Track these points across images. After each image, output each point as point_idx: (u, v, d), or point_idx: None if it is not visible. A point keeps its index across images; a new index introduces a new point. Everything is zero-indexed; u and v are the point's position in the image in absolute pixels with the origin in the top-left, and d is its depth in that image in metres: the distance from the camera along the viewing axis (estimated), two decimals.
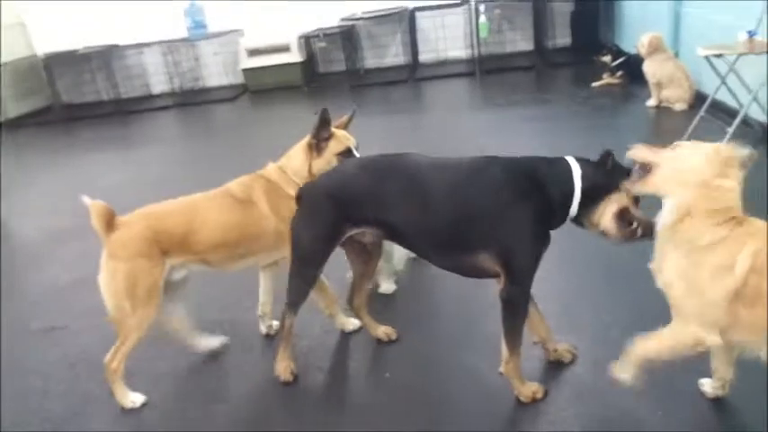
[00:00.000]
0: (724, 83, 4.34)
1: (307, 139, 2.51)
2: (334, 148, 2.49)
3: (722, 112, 4.66)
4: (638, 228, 2.03)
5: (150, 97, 9.31)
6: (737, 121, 4.16)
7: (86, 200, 2.32)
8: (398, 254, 3.03)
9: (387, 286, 3.05)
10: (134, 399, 2.45)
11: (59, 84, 9.11)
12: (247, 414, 2.39)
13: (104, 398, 2.50)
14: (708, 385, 2.10)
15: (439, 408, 2.27)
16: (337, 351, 2.70)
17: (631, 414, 2.10)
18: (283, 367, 2.48)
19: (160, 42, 8.92)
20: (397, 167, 2.20)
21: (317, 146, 2.48)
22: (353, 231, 2.23)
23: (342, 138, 2.53)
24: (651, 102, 5.54)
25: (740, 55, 4.11)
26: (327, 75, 9.09)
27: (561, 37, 8.58)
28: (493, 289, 2.15)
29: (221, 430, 2.31)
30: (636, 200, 2.04)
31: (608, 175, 2.04)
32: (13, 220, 5.03)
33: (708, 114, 4.60)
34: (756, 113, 4.33)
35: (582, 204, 2.06)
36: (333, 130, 2.50)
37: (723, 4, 4.76)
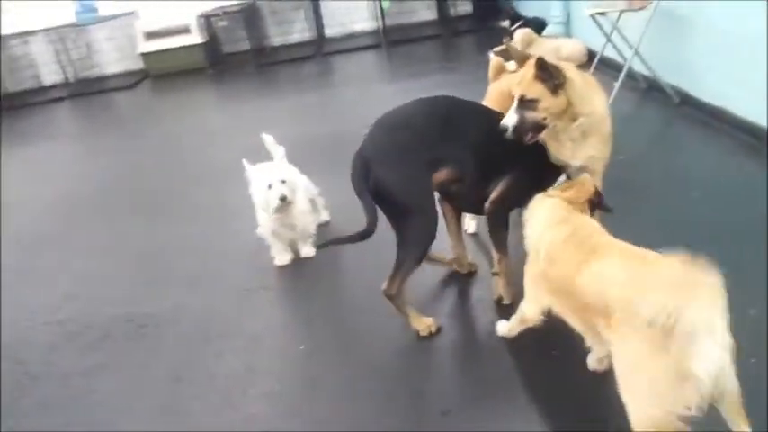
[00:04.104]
0: (609, 40, 4.54)
1: None
2: None
3: (611, 68, 4.89)
4: None
5: (41, 89, 8.73)
6: (622, 75, 4.37)
7: (491, 54, 2.53)
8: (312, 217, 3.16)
9: (307, 250, 3.12)
10: None
11: None
12: None
13: None
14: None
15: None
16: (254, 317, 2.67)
17: None
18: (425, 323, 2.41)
19: (46, 30, 8.34)
20: (441, 108, 2.38)
21: None
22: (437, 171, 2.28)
23: None
24: None
25: (622, 12, 4.30)
26: (233, 55, 8.80)
27: (462, 4, 8.71)
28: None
29: None
30: None
31: None
32: None
33: (597, 71, 4.83)
34: (639, 67, 4.56)
35: None
36: None
37: None
